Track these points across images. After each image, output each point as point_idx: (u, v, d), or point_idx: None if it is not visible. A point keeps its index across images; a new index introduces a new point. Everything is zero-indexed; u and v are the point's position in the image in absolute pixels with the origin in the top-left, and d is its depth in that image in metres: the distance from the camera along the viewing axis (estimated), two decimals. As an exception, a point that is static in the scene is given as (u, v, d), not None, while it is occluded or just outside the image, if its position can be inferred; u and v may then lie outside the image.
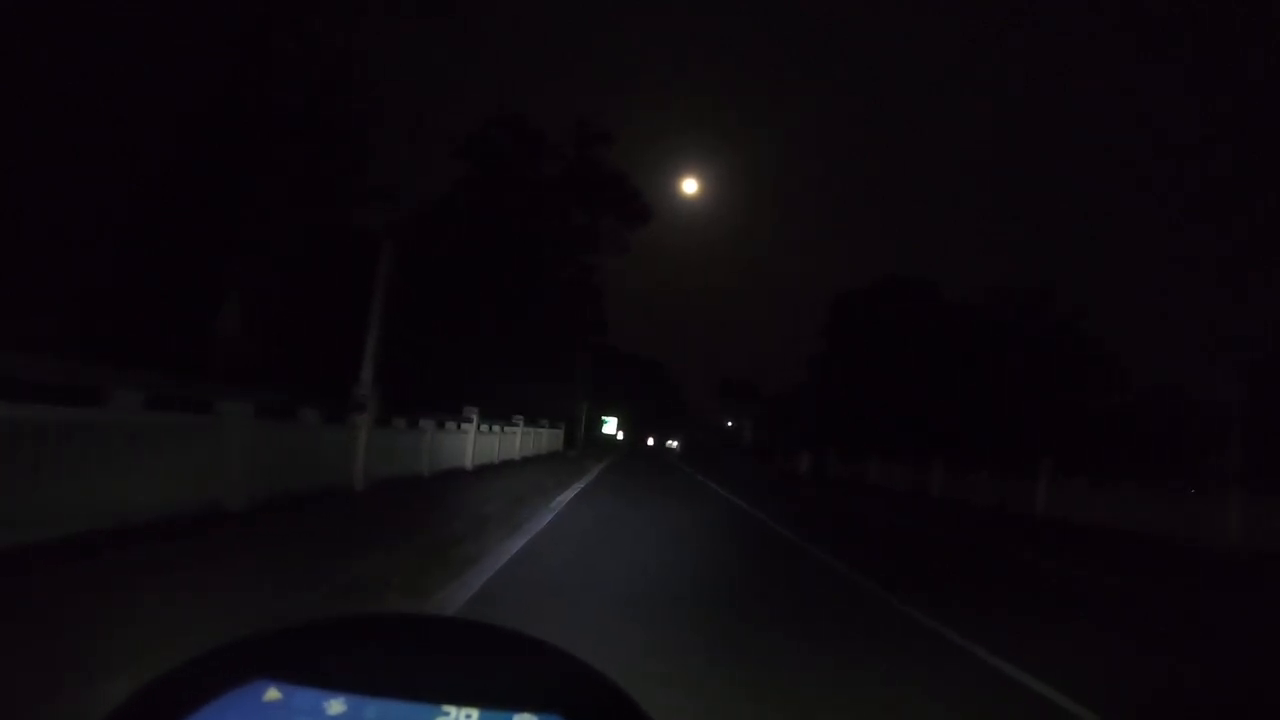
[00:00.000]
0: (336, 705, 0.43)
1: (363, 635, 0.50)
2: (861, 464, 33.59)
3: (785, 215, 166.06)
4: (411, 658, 0.48)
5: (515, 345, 27.48)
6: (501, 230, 28.87)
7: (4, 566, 3.98)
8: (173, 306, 14.52)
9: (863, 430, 37.19)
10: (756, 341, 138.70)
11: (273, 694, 0.43)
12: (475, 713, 0.43)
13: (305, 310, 18.98)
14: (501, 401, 17.51)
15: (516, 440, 20.54)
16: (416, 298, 23.20)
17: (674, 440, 76.84)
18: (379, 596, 4.47)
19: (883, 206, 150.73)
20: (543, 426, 24.84)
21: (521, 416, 22.11)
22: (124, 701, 0.42)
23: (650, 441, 76.71)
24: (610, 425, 63.20)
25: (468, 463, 15.10)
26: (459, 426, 14.59)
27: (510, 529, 7.73)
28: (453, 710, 0.43)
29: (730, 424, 78.66)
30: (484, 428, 16.57)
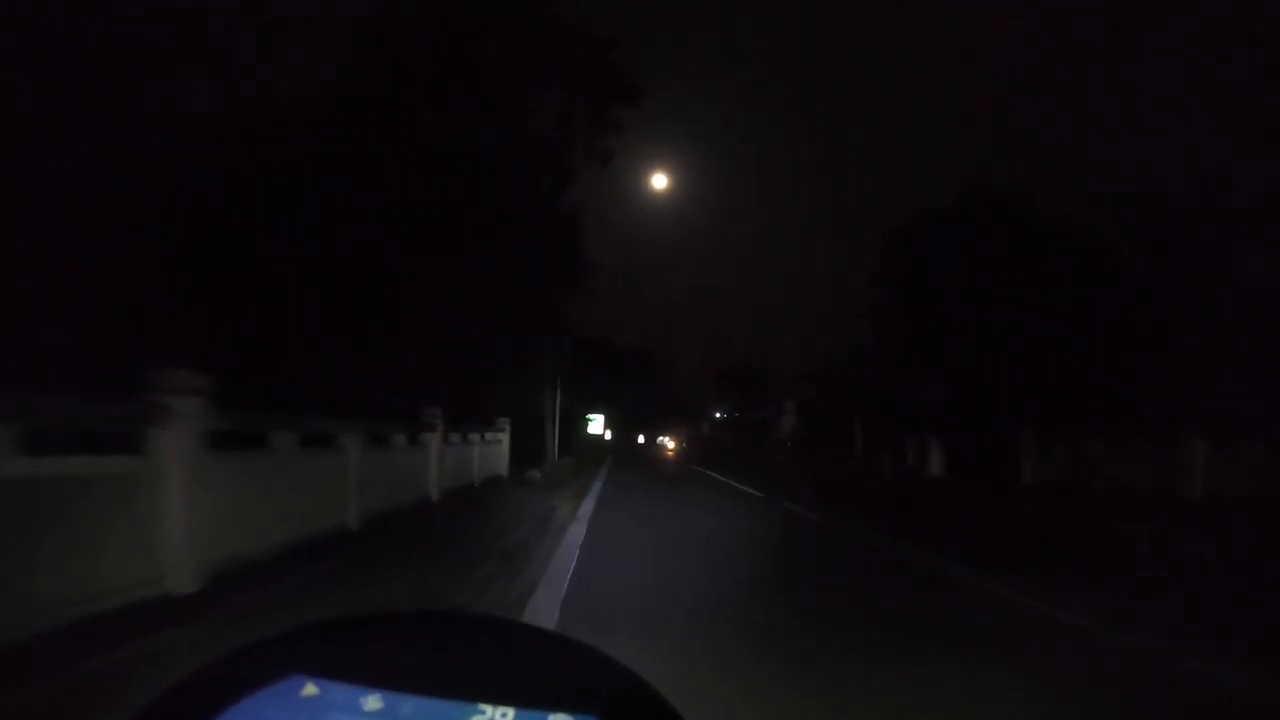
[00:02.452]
0: (373, 701, 0.43)
1: (400, 632, 0.52)
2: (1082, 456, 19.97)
3: (778, 203, 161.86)
4: (448, 655, 0.48)
5: (441, 312, 17.96)
6: (412, 132, 18.90)
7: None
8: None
9: (1002, 407, 25.10)
10: (761, 330, 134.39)
11: (310, 689, 0.44)
12: (511, 712, 0.43)
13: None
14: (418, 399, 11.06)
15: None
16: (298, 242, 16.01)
17: (663, 437, 74.54)
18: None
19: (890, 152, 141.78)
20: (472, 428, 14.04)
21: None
22: (160, 694, 0.43)
23: (640, 440, 76.08)
24: (596, 424, 59.72)
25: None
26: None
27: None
28: (488, 709, 0.43)
29: (761, 414, 72.32)
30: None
